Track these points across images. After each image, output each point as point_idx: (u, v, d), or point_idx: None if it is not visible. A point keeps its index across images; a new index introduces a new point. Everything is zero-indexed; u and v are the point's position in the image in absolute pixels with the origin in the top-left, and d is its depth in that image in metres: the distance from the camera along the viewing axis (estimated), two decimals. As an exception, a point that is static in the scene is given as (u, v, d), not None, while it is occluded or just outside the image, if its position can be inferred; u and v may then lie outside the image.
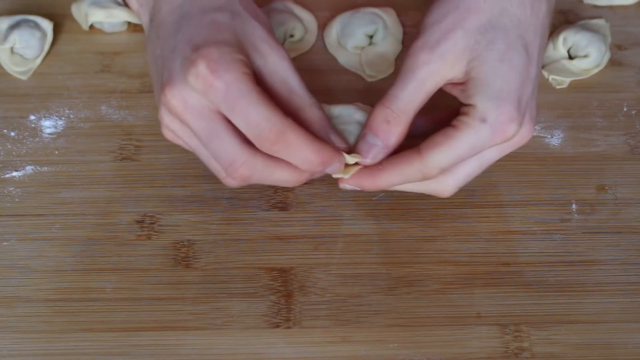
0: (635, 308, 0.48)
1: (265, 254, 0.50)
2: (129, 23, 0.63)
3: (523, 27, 0.45)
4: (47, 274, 0.49)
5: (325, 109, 0.47)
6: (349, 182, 0.47)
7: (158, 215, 0.52)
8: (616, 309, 0.47)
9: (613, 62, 0.60)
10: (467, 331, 0.47)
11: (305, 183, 0.51)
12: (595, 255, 0.50)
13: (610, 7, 0.64)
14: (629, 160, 0.55)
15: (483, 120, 0.44)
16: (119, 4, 0.61)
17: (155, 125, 0.56)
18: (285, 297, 0.48)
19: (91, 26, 0.62)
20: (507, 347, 0.46)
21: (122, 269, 0.49)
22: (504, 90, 0.44)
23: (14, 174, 0.54)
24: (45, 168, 0.54)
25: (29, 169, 0.54)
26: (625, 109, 0.57)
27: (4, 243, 0.50)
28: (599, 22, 0.62)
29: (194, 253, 0.50)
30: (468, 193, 0.52)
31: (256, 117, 0.41)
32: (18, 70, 0.60)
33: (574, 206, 0.52)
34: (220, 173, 0.45)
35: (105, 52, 0.61)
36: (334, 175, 0.47)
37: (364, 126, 0.47)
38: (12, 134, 0.56)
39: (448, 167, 0.45)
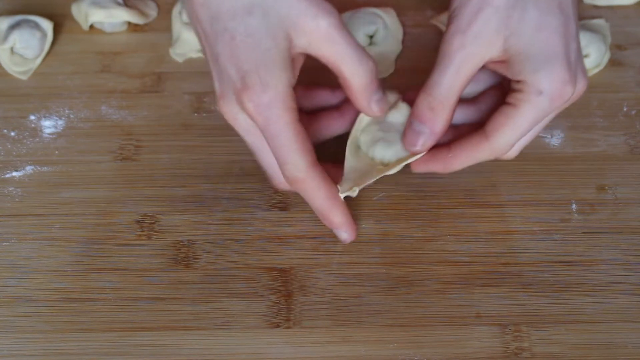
0: (635, 308, 0.48)
1: (265, 254, 0.50)
2: (129, 23, 0.63)
3: None
4: (47, 274, 0.49)
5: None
6: (419, 167, 0.49)
7: (158, 215, 0.52)
8: (616, 309, 0.47)
9: (613, 62, 0.60)
10: (467, 331, 0.47)
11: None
12: (595, 255, 0.50)
13: (610, 7, 0.64)
14: (629, 160, 0.55)
15: (539, 93, 0.44)
16: (119, 4, 0.61)
17: (155, 125, 0.56)
18: (285, 297, 0.48)
19: (91, 26, 0.62)
20: (507, 347, 0.46)
21: (122, 269, 0.49)
22: (551, 57, 0.44)
23: (14, 174, 0.54)
24: (45, 168, 0.54)
25: (29, 169, 0.54)
26: (625, 109, 0.57)
27: (4, 243, 0.50)
28: (599, 22, 0.62)
29: (194, 253, 0.50)
30: (468, 193, 0.53)
31: (285, 156, 0.45)
32: (18, 70, 0.60)
33: (574, 206, 0.52)
34: (268, 175, 0.49)
35: (105, 52, 0.61)
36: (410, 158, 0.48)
37: (410, 115, 0.48)
38: (12, 134, 0.56)
39: (516, 142, 0.46)
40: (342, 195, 0.47)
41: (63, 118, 0.57)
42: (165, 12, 0.64)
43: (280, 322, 0.47)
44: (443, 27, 0.61)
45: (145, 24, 0.63)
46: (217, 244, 0.50)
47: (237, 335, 0.46)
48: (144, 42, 0.62)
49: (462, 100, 0.49)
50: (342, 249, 0.50)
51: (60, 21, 0.63)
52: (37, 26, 0.60)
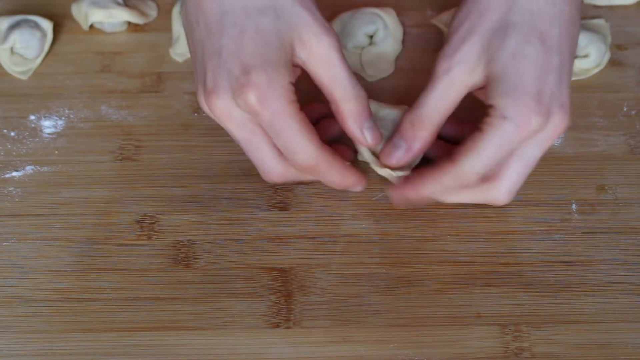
0: (635, 308, 0.48)
1: (265, 254, 0.50)
2: (129, 23, 0.63)
3: (535, 19, 0.45)
4: (47, 274, 0.49)
5: (372, 106, 0.50)
6: (393, 194, 0.49)
7: (158, 215, 0.52)
8: (616, 309, 0.47)
9: (613, 62, 0.60)
10: (467, 331, 0.47)
11: (305, 183, 0.52)
12: (595, 255, 0.50)
13: (610, 7, 0.64)
14: (629, 160, 0.55)
15: (503, 118, 0.44)
16: (119, 4, 0.61)
17: (155, 125, 0.56)
18: (285, 297, 0.48)
19: (91, 26, 0.62)
20: (507, 347, 0.46)
21: (122, 269, 0.49)
22: (520, 84, 0.44)
23: (14, 174, 0.54)
24: (45, 168, 0.54)
25: (29, 169, 0.54)
26: (625, 109, 0.57)
27: (4, 243, 0.50)
28: (599, 22, 0.62)
29: (194, 253, 0.50)
30: (468, 193, 0.53)
31: (295, 146, 0.45)
32: (18, 70, 0.60)
33: (574, 206, 0.52)
34: (259, 169, 0.49)
35: (105, 52, 0.61)
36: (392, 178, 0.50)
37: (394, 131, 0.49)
38: (12, 134, 0.56)
39: (483, 170, 0.45)
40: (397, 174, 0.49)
41: (63, 118, 0.57)
42: (165, 12, 0.64)
43: (280, 322, 0.47)
44: (443, 27, 0.61)
45: (145, 24, 0.63)
46: (217, 244, 0.50)
47: (237, 335, 0.46)
48: (144, 42, 0.62)
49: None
50: (342, 249, 0.50)
51: (60, 21, 0.63)
52: (37, 26, 0.60)
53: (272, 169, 0.48)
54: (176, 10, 0.62)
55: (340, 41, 0.47)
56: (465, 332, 0.46)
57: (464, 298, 0.48)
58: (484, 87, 0.46)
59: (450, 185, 0.47)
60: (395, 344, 0.46)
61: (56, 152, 0.55)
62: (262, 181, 0.51)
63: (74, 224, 0.51)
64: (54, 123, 0.57)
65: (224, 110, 0.45)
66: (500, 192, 0.48)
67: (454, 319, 0.47)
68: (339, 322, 0.47)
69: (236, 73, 0.44)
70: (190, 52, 0.48)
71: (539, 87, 0.44)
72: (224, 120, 0.46)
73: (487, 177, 0.47)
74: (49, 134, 0.56)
